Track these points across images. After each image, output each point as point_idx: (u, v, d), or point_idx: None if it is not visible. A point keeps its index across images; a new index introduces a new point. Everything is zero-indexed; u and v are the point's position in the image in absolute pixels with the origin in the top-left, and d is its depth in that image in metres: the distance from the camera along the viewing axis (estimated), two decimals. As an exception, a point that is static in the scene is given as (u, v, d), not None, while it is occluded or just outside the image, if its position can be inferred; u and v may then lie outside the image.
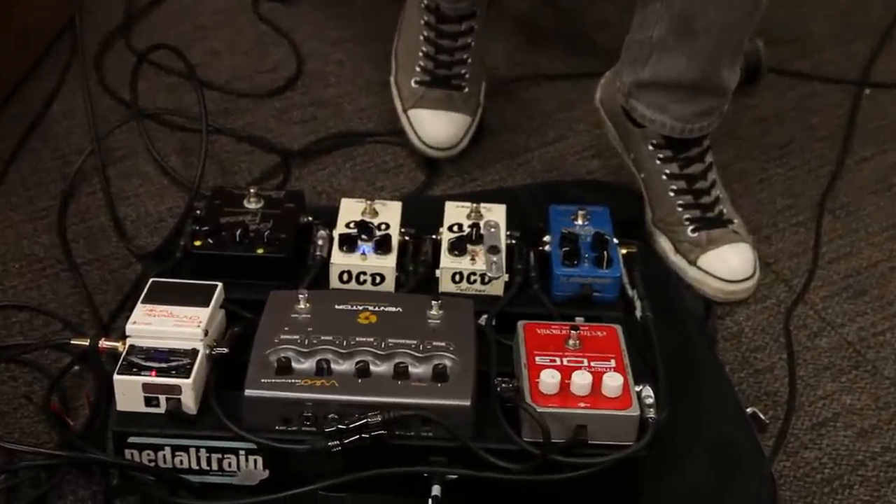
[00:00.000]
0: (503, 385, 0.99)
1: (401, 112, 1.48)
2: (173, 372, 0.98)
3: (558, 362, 1.01)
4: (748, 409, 1.15)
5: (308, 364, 1.00)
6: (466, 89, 1.47)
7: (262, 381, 0.98)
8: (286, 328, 1.02)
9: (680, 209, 1.32)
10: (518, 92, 1.61)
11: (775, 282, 1.34)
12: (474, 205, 1.20)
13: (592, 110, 1.44)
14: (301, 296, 1.05)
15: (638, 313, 1.14)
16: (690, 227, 1.31)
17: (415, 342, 1.01)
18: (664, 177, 1.33)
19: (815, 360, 1.25)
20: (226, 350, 1.02)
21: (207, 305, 1.04)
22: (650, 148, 1.33)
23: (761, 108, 1.60)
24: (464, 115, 1.46)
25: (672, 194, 1.32)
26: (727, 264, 1.29)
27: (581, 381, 0.98)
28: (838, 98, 1.62)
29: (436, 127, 1.44)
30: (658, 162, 1.33)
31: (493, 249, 1.15)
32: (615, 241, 1.17)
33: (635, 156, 1.36)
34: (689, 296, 1.29)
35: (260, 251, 1.14)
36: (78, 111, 1.47)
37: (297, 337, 1.01)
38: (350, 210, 1.19)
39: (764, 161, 1.52)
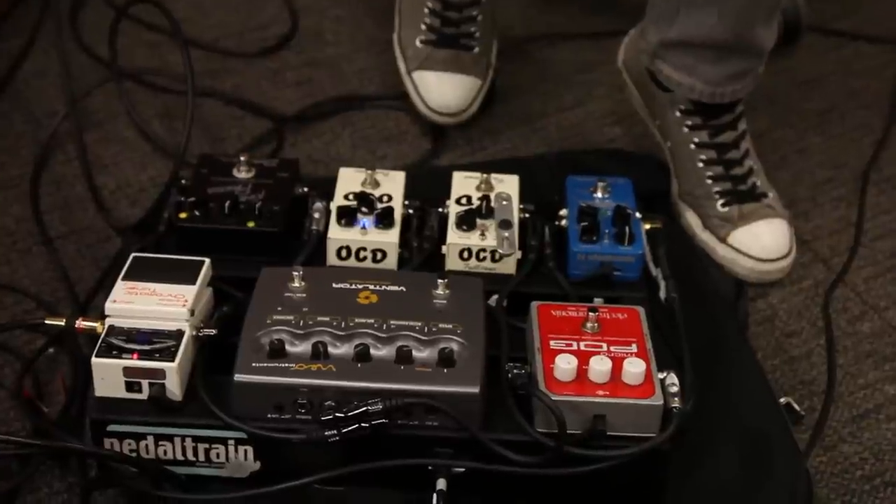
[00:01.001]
0: (515, 371, 1.00)
1: (405, 74, 1.48)
2: (157, 355, 0.99)
3: (575, 347, 1.02)
4: (782, 400, 1.15)
5: (303, 347, 1.00)
6: (476, 49, 1.47)
7: (253, 365, 0.99)
8: (279, 308, 1.03)
9: (709, 181, 1.32)
10: (533, 52, 1.61)
11: (813, 261, 1.35)
12: (484, 175, 1.21)
13: (614, 73, 1.44)
14: (295, 273, 1.06)
15: (662, 294, 1.15)
16: (721, 201, 1.32)
17: (419, 324, 1.02)
18: (692, 146, 1.33)
19: (855, 347, 1.26)
20: (214, 331, 1.03)
21: (194, 283, 1.05)
22: (677, 114, 1.33)
23: (800, 71, 1.60)
24: (473, 77, 1.46)
25: (701, 165, 1.33)
26: (760, 241, 1.30)
27: (599, 367, 0.99)
28: (885, 59, 1.62)
29: (443, 90, 1.45)
30: (686, 129, 1.33)
31: (505, 224, 1.15)
32: (638, 215, 1.18)
33: (661, 123, 1.36)
34: (719, 276, 1.30)
35: (251, 224, 1.15)
36: (51, 70, 1.48)
37: (292, 318, 1.02)
38: (349, 180, 1.20)
39: (802, 129, 1.52)
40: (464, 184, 1.21)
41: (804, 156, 1.48)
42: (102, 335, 1.01)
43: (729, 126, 1.33)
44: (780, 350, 1.25)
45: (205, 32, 1.58)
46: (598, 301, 1.10)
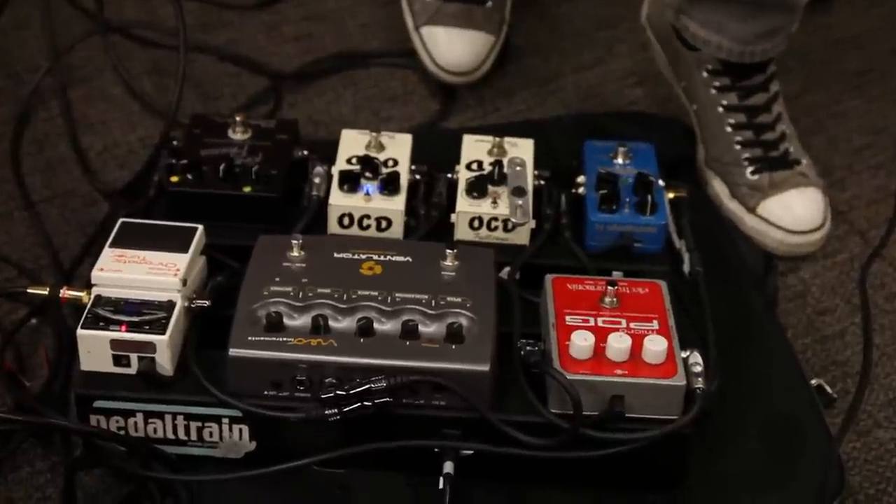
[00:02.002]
0: (528, 348, 1.00)
1: (412, 29, 1.48)
2: (146, 327, 1.00)
3: (592, 323, 1.02)
4: (813, 381, 1.16)
5: (302, 320, 1.01)
6: (489, 3, 1.47)
7: (249, 339, 0.99)
8: (277, 279, 1.04)
9: (738, 147, 1.32)
10: (550, 7, 1.61)
11: (849, 233, 1.35)
12: (497, 139, 1.21)
13: (637, 29, 1.44)
14: (294, 241, 1.06)
15: (686, 268, 1.15)
16: (750, 169, 1.32)
17: (426, 297, 1.02)
18: (720, 109, 1.33)
19: (893, 326, 1.26)
20: (207, 303, 1.04)
21: (186, 251, 1.05)
22: (704, 74, 1.33)
23: (838, 29, 1.60)
24: (486, 33, 1.46)
25: (729, 130, 1.33)
26: (792, 212, 1.30)
27: (618, 344, 0.99)
28: (929, 17, 1.61)
29: (453, 47, 1.44)
30: (713, 91, 1.33)
31: (519, 191, 1.15)
32: (661, 183, 1.18)
33: (687, 84, 1.36)
34: (747, 248, 1.30)
35: (247, 189, 1.15)
36: (33, 22, 1.47)
37: (290, 289, 1.03)
38: (352, 143, 1.20)
39: (839, 91, 1.52)
40: (475, 148, 1.21)
41: (841, 120, 1.48)
42: (88, 305, 1.02)
43: (760, 87, 1.33)
44: (812, 328, 1.25)
45: (198, -18, 1.58)
46: (617, 274, 1.10)
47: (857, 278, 1.29)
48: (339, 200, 1.15)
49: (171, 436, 1.01)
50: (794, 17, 1.30)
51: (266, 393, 1.00)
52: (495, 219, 1.14)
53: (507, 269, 1.12)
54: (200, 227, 1.08)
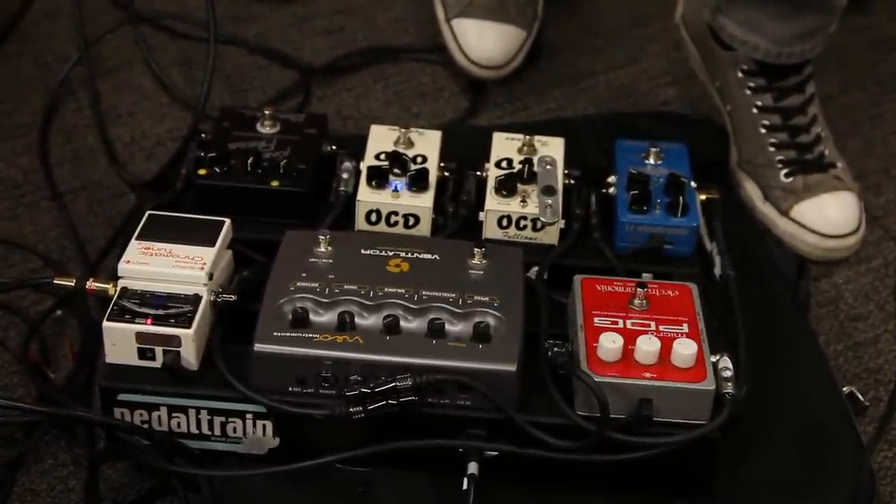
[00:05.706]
0: (555, 349, 1.01)
1: (443, 22, 1.48)
2: (172, 320, 1.00)
3: (621, 325, 1.02)
4: (845, 388, 1.15)
5: (328, 316, 1.01)
6: (522, -2, 1.47)
7: (275, 334, 1.00)
8: (304, 274, 1.04)
9: (772, 149, 1.32)
10: (583, 4, 1.60)
11: (883, 239, 1.34)
12: (527, 137, 1.21)
13: (671, 28, 1.43)
14: (321, 237, 1.07)
15: (717, 271, 1.15)
16: (784, 171, 1.31)
17: (453, 295, 1.03)
18: (755, 110, 1.33)
19: (927, 334, 1.25)
20: (233, 297, 1.04)
21: (213, 245, 1.06)
22: (740, 75, 1.33)
23: (877, 30, 1.59)
24: (518, 28, 1.46)
25: (764, 131, 1.32)
26: (826, 216, 1.29)
27: (647, 347, 0.99)
28: (970, 20, 1.60)
29: (484, 41, 1.44)
30: (748, 92, 1.33)
31: (548, 190, 1.15)
32: (693, 184, 1.18)
33: (721, 84, 1.36)
34: (779, 252, 1.29)
35: (275, 184, 1.15)
36: (63, 11, 1.49)
37: (317, 285, 1.03)
38: (381, 139, 1.20)
39: (877, 93, 1.51)
40: (504, 145, 1.21)
41: (878, 123, 1.47)
42: (114, 298, 1.02)
43: (796, 89, 1.32)
44: (845, 335, 1.24)
45: (228, -26, 1.59)
46: (646, 276, 1.10)
47: (891, 284, 1.29)
48: (368, 196, 1.15)
49: (194, 430, 1.02)
50: (833, 18, 1.29)
51: (291, 389, 1.00)
52: (524, 218, 1.14)
53: (535, 268, 1.12)
54: (228, 221, 1.08)
